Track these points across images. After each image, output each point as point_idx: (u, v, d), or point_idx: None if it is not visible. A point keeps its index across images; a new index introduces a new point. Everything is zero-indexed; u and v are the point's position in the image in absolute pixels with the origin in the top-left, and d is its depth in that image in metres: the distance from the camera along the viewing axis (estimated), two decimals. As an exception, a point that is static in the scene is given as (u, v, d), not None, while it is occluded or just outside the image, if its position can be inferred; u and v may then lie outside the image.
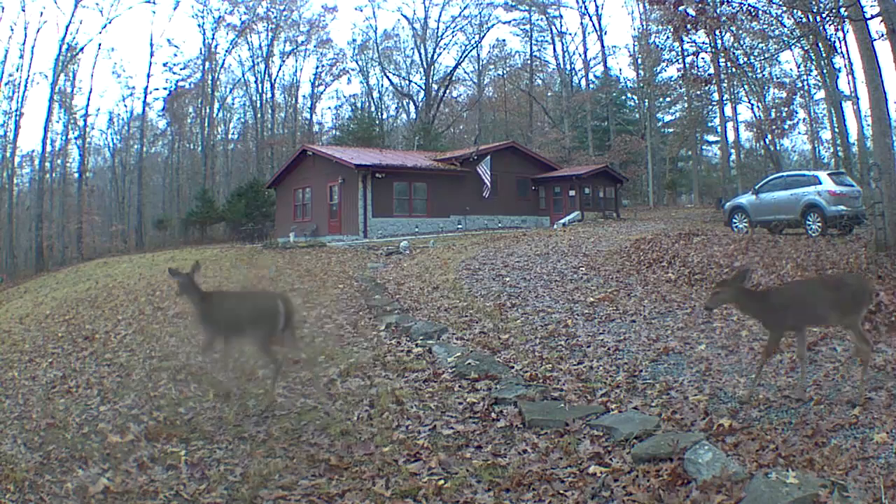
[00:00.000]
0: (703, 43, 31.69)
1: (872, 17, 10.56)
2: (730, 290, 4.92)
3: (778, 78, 37.11)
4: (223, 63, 52.91)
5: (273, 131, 55.21)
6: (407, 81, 55.80)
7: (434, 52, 53.98)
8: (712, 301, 5.05)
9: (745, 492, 3.22)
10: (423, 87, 54.01)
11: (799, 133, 42.13)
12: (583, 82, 52.32)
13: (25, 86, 44.44)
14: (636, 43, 45.51)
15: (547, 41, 54.03)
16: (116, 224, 49.49)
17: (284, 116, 57.17)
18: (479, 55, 54.68)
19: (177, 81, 51.10)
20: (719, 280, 6.75)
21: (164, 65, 56.45)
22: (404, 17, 66.24)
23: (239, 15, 51.67)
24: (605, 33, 75.17)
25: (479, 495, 3.62)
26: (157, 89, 51.96)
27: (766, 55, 32.54)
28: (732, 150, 39.20)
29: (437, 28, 54.01)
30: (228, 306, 5.69)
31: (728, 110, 38.86)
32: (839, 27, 17.48)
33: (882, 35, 10.28)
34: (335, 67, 55.85)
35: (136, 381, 6.48)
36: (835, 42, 26.11)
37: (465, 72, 55.67)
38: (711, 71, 30.08)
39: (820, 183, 16.03)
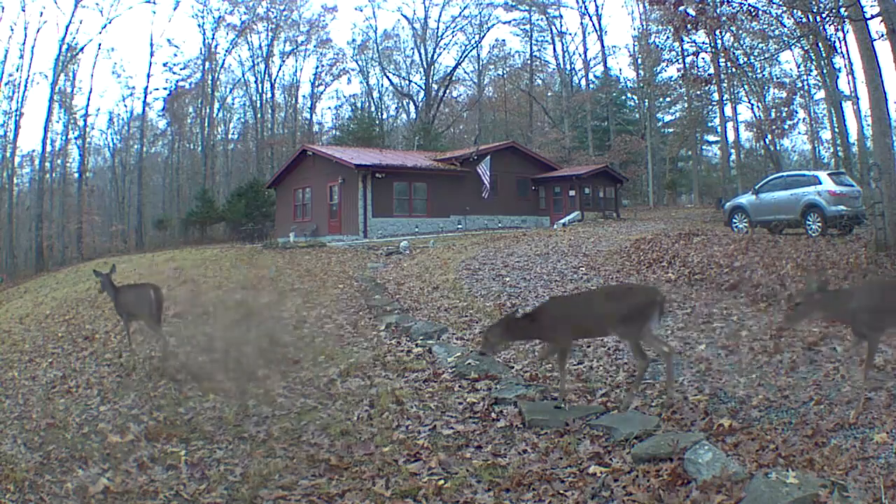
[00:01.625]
0: (703, 43, 31.74)
1: (872, 17, 10.57)
2: (495, 330, 5.03)
3: (778, 78, 37.14)
4: (223, 63, 52.94)
5: (273, 131, 55.19)
6: (407, 81, 55.83)
7: (434, 52, 54.03)
8: (485, 346, 5.14)
9: (745, 492, 3.22)
10: (423, 87, 54.01)
11: (799, 133, 42.17)
12: (583, 82, 52.33)
13: (25, 86, 44.45)
14: (636, 43, 45.52)
15: (547, 41, 54.07)
16: (116, 224, 49.46)
17: (284, 116, 57.17)
18: (479, 55, 54.72)
19: (177, 81, 51.14)
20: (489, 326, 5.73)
21: (164, 65, 56.49)
22: (404, 17, 66.25)
23: (239, 15, 51.70)
24: (605, 33, 75.20)
25: (479, 495, 3.62)
26: (157, 89, 51.98)
27: (766, 55, 32.56)
28: (732, 150, 39.21)
29: (437, 28, 54.06)
30: (127, 296, 7.55)
31: (728, 110, 38.91)
32: (839, 27, 17.49)
33: (882, 35, 10.29)
34: (335, 67, 55.86)
35: (136, 381, 6.48)
36: (835, 42, 26.12)
37: (465, 72, 55.74)
38: (711, 71, 30.11)
39: (820, 183, 16.03)
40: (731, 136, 39.93)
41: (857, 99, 30.89)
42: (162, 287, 7.86)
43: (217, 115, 53.98)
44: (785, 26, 24.38)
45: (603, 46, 50.15)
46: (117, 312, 7.85)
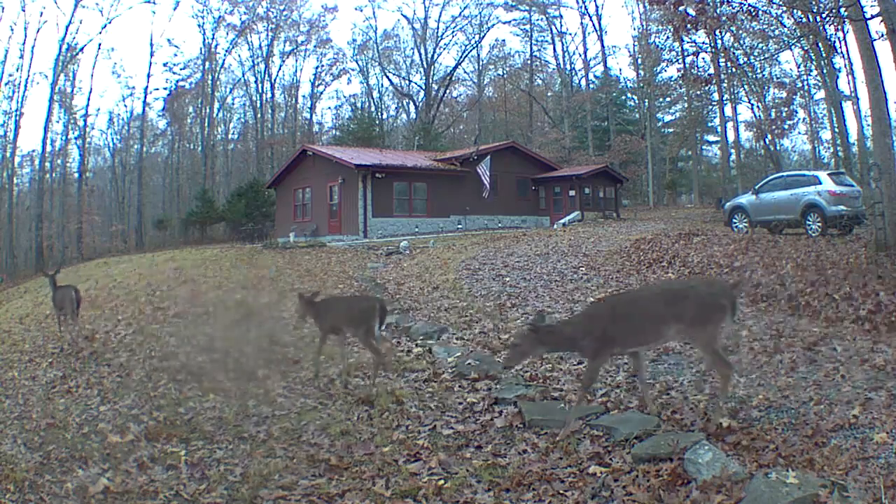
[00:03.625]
0: (703, 43, 31.73)
1: (872, 17, 10.57)
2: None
3: (778, 78, 37.15)
4: (223, 63, 52.95)
5: (273, 131, 55.19)
6: (407, 81, 55.83)
7: (434, 52, 54.03)
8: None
9: (745, 492, 3.22)
10: (423, 87, 54.01)
11: (799, 133, 42.17)
12: (583, 82, 52.32)
13: (25, 86, 44.48)
14: (636, 43, 45.54)
15: (547, 41, 54.07)
16: (116, 224, 49.47)
17: (284, 116, 57.17)
18: (479, 55, 54.71)
19: (177, 81, 51.15)
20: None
21: (164, 65, 56.47)
22: (404, 17, 66.29)
23: (239, 15, 51.72)
24: (605, 33, 75.22)
25: (479, 495, 3.62)
26: (157, 89, 52.02)
27: (766, 55, 32.58)
28: (732, 150, 39.21)
29: (437, 28, 54.06)
30: (59, 294, 9.19)
31: (728, 110, 38.92)
32: (839, 27, 17.47)
33: (882, 35, 10.28)
34: (335, 67, 55.89)
35: (136, 381, 6.49)
36: (835, 42, 26.12)
37: (465, 72, 55.73)
38: (711, 71, 30.04)
39: (820, 183, 16.03)
40: (731, 136, 39.99)
41: (857, 99, 30.92)
42: (162, 287, 7.93)
43: (217, 115, 54.03)
44: (785, 26, 24.40)
45: (603, 46, 50.22)
46: (53, 305, 9.46)
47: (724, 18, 12.26)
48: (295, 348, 7.19)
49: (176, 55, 61.50)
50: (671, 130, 50.21)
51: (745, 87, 37.36)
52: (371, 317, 5.84)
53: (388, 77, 55.89)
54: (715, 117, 43.18)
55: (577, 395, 4.64)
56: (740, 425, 4.18)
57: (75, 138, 49.36)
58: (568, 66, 53.65)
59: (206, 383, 6.09)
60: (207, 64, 51.15)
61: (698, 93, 39.14)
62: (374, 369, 5.97)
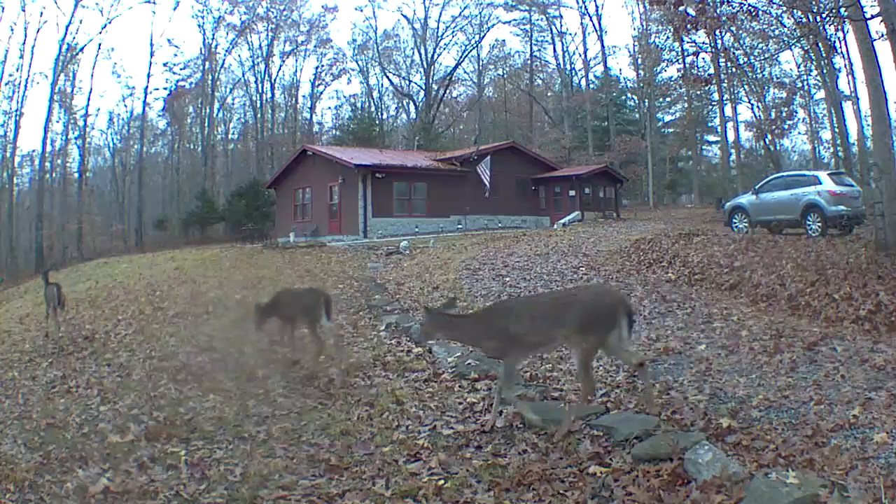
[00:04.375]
0: (703, 43, 31.67)
1: (872, 17, 10.56)
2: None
3: (778, 78, 37.15)
4: (223, 63, 52.94)
5: (273, 131, 55.18)
6: (407, 81, 55.82)
7: (434, 52, 54.02)
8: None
9: (745, 492, 3.22)
10: (423, 87, 54.01)
11: (799, 133, 42.20)
12: (583, 82, 52.31)
13: (25, 86, 44.47)
14: (636, 43, 45.50)
15: (547, 41, 54.08)
16: (116, 224, 49.48)
17: (284, 116, 57.16)
18: (479, 55, 54.69)
19: (177, 81, 51.13)
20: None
21: (164, 65, 56.29)
22: (404, 17, 66.07)
23: (239, 15, 51.70)
24: (605, 33, 75.16)
25: (479, 495, 3.62)
26: (157, 89, 51.83)
27: (766, 55, 32.57)
28: (732, 150, 39.18)
29: (437, 28, 54.05)
30: (47, 290, 9.96)
31: (728, 110, 38.85)
32: (839, 27, 17.47)
33: (882, 35, 10.28)
34: (335, 67, 55.88)
35: (136, 381, 6.49)
36: (835, 42, 26.09)
37: (465, 72, 55.71)
38: (711, 71, 30.03)
39: (820, 183, 16.03)
40: (731, 136, 39.95)
41: (857, 99, 30.91)
42: (162, 287, 7.97)
43: (217, 115, 54.02)
44: (785, 26, 24.40)
45: (603, 46, 50.17)
46: (45, 300, 10.28)
47: (724, 18, 12.26)
48: (295, 348, 7.19)
49: (176, 55, 61.42)
50: (671, 130, 50.21)
51: (745, 87, 37.37)
52: (317, 308, 6.50)
53: (388, 77, 55.95)
54: (715, 117, 43.21)
55: (500, 393, 4.72)
56: (740, 425, 4.18)
57: (75, 138, 49.43)
58: (568, 66, 53.74)
59: (206, 383, 6.09)
60: (207, 64, 51.16)
61: (698, 93, 39.13)
62: (314, 357, 6.53)
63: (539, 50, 54.48)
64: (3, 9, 45.08)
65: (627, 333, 4.42)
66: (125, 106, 66.16)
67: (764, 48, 31.58)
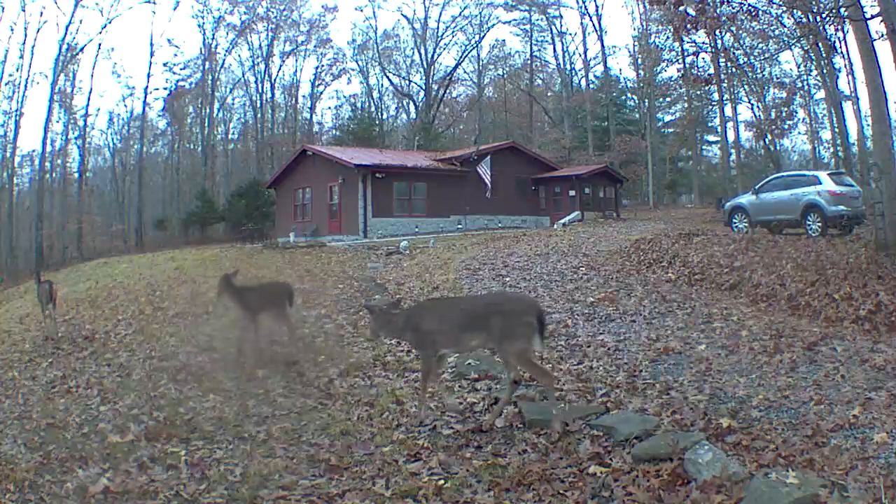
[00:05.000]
0: (703, 43, 31.71)
1: (872, 17, 10.56)
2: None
3: (778, 78, 37.12)
4: (223, 63, 52.87)
5: (273, 131, 55.15)
6: (407, 81, 55.79)
7: (434, 52, 53.98)
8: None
9: (746, 492, 3.23)
10: (423, 87, 53.98)
11: (799, 133, 42.15)
12: (583, 82, 52.29)
13: (25, 86, 44.38)
14: (636, 43, 45.47)
15: (547, 41, 54.03)
16: (116, 224, 49.44)
17: (284, 116, 57.13)
18: (479, 55, 54.65)
19: (177, 81, 51.07)
20: None
21: (164, 65, 56.23)
22: (404, 17, 66.00)
23: (239, 15, 51.63)
24: (605, 33, 75.06)
25: (479, 495, 3.62)
26: (157, 89, 51.76)
27: (766, 55, 32.55)
28: (732, 150, 39.16)
29: (437, 28, 54.01)
30: (40, 288, 10.28)
31: (728, 110, 38.82)
32: (839, 27, 17.44)
33: (882, 35, 10.28)
34: (335, 67, 55.81)
35: (136, 381, 6.48)
36: (835, 42, 26.06)
37: (465, 72, 55.66)
38: (711, 71, 30.00)
39: (820, 183, 16.02)
40: (731, 136, 39.92)
41: (857, 99, 30.88)
42: (162, 287, 8.05)
43: (217, 115, 53.97)
44: (785, 26, 24.40)
45: (603, 46, 50.13)
46: (38, 299, 10.57)
47: (724, 18, 12.25)
48: (295, 348, 7.19)
49: (176, 55, 61.40)
50: (671, 130, 50.18)
51: (745, 87, 37.35)
52: (281, 299, 7.16)
53: (388, 77, 55.92)
54: (715, 117, 43.17)
55: (419, 386, 5.05)
56: (740, 425, 4.18)
57: (75, 138, 49.40)
58: (568, 66, 53.69)
59: (206, 383, 6.09)
60: (207, 64, 51.12)
61: (698, 93, 39.11)
62: (290, 335, 7.24)
63: (539, 50, 54.52)
64: (3, 9, 44.99)
65: (540, 340, 4.63)
66: (125, 106, 66.20)
67: (764, 48, 31.56)
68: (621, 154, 42.48)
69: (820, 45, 25.24)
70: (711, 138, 49.27)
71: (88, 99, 72.56)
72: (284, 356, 6.87)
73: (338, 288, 12.39)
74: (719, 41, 31.12)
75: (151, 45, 58.31)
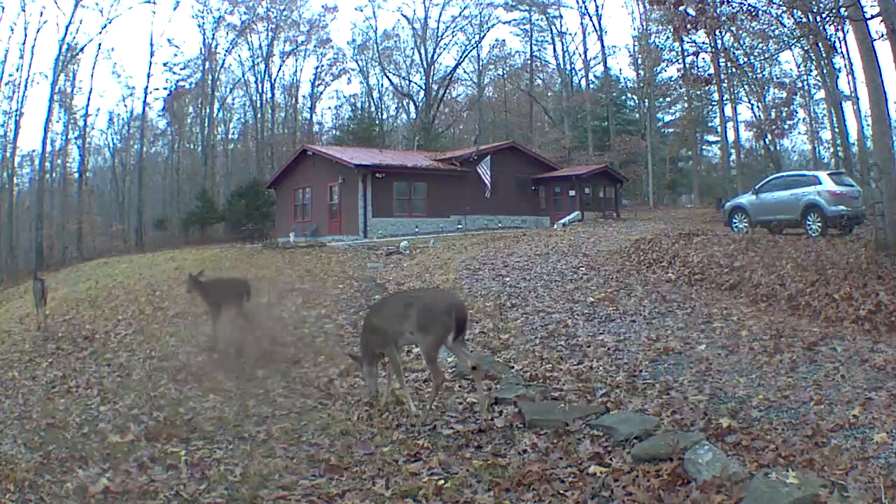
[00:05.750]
0: (703, 43, 31.64)
1: (872, 17, 10.56)
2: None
3: (778, 78, 37.11)
4: (223, 63, 52.84)
5: (273, 131, 55.13)
6: (407, 81, 55.77)
7: (434, 52, 53.96)
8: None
9: (746, 492, 3.22)
10: (423, 87, 53.97)
11: (799, 133, 42.14)
12: (583, 82, 52.27)
13: (25, 86, 44.38)
14: (636, 43, 45.47)
15: (547, 41, 54.01)
16: (116, 224, 49.42)
17: (284, 116, 57.12)
18: (479, 55, 54.63)
19: (177, 81, 51.05)
20: None
21: (164, 65, 56.20)
22: (404, 17, 65.97)
23: (239, 15, 51.61)
24: (605, 33, 75.05)
25: (479, 495, 3.62)
26: (157, 89, 51.73)
27: (766, 55, 32.54)
28: (732, 150, 39.16)
29: (437, 28, 53.99)
30: (34, 286, 11.06)
31: (728, 110, 38.81)
32: (839, 27, 17.45)
33: (882, 35, 10.28)
34: (335, 67, 55.79)
35: (136, 381, 6.49)
36: (835, 42, 26.06)
37: (465, 72, 55.65)
38: (711, 71, 29.95)
39: (820, 183, 16.02)
40: (731, 136, 39.91)
41: (857, 99, 30.88)
42: (162, 287, 8.22)
43: (217, 115, 53.95)
44: (785, 26, 24.41)
45: (603, 46, 50.12)
46: (33, 295, 11.19)
47: (724, 18, 12.24)
48: (295, 348, 7.20)
49: (176, 55, 61.27)
50: (671, 130, 50.17)
51: (745, 87, 37.34)
52: (239, 293, 7.96)
53: (388, 77, 55.90)
54: (715, 117, 43.17)
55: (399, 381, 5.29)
56: (740, 425, 4.18)
57: (75, 138, 49.38)
58: (568, 66, 53.68)
59: (206, 383, 6.10)
60: (207, 64, 51.10)
61: (698, 93, 39.10)
62: (250, 328, 7.79)
63: (539, 50, 54.50)
64: (3, 9, 44.98)
65: (454, 336, 4.83)
66: (125, 106, 66.15)
67: (764, 48, 31.57)
68: (621, 154, 42.47)
69: (820, 45, 25.22)
70: (711, 138, 49.29)
71: (88, 99, 72.68)
72: (286, 356, 6.88)
73: (338, 288, 12.39)
74: (719, 41, 31.12)
75: (151, 45, 58.32)
